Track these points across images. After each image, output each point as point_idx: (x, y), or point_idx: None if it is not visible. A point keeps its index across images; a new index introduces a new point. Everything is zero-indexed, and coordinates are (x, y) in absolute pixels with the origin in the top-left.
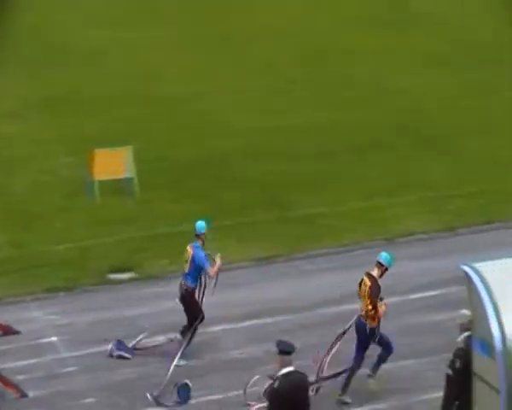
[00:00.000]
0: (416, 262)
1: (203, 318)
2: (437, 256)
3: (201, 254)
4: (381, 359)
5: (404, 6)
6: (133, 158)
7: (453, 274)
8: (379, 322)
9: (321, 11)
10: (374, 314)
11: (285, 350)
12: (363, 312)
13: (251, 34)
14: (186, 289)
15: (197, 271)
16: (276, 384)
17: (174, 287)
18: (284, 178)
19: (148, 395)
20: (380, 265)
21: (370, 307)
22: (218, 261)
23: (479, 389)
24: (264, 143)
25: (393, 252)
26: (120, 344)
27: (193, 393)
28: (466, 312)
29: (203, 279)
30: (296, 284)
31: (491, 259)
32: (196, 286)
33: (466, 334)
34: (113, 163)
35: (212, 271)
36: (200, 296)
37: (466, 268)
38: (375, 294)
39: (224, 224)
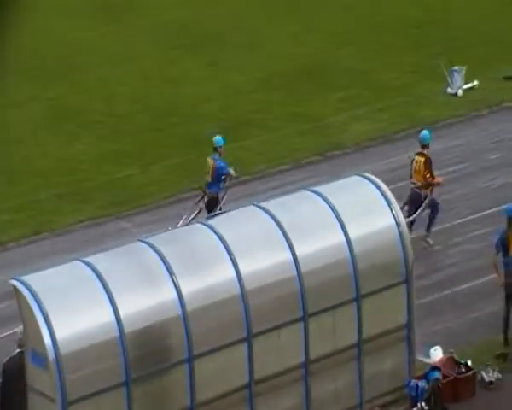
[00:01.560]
0: None
1: None
2: None
3: (222, 163)
4: (432, 219)
5: None
6: None
7: (3, 290)
8: (432, 190)
9: None
10: (432, 181)
11: None
12: (419, 183)
13: None
14: (211, 197)
15: (219, 178)
16: None
17: None
18: None
19: None
20: (423, 145)
21: (428, 175)
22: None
23: (34, 401)
24: None
25: None
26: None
27: None
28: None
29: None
30: None
31: (42, 269)
32: (220, 192)
33: (17, 351)
34: None
35: (233, 172)
36: (221, 203)
37: (14, 282)
38: (430, 165)
39: None
